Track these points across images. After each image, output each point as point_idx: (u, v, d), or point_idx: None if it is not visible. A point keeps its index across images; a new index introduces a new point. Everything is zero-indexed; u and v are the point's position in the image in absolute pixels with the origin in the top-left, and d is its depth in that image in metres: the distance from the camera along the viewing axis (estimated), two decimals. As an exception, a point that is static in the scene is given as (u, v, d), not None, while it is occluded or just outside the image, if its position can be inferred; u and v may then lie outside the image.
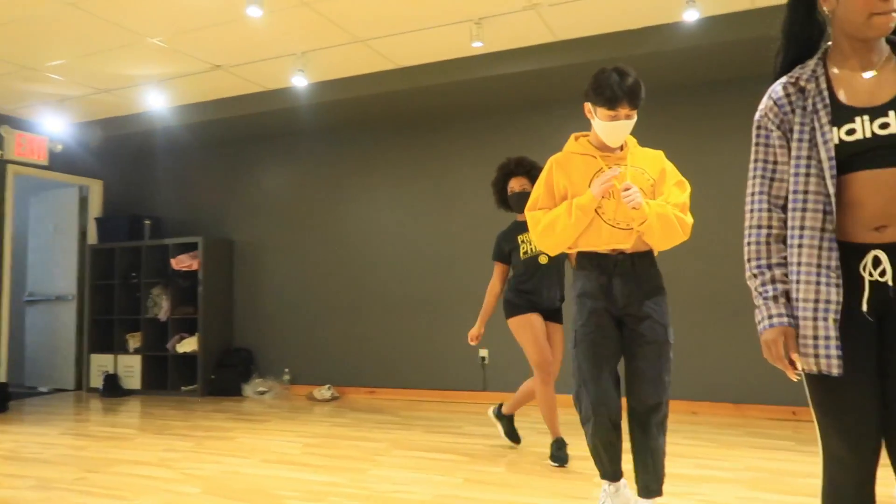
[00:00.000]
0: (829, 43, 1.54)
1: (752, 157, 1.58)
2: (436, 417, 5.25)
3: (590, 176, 2.43)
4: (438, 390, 6.20)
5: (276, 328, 6.95)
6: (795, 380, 1.57)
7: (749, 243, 1.55)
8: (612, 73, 2.34)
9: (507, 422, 4.16)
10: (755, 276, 1.54)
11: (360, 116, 6.37)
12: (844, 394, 1.44)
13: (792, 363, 1.49)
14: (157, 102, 6.02)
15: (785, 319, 1.47)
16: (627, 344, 2.43)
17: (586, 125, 5.82)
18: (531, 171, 3.74)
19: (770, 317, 1.49)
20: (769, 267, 1.52)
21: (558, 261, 3.76)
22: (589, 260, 2.43)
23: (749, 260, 1.56)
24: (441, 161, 6.40)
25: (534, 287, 3.70)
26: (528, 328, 3.66)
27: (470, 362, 6.15)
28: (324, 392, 6.34)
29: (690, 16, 4.31)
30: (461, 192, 6.30)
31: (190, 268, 6.88)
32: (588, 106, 2.44)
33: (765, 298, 1.50)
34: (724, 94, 5.33)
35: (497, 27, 4.80)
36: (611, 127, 2.37)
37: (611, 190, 2.36)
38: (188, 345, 6.82)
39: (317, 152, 6.91)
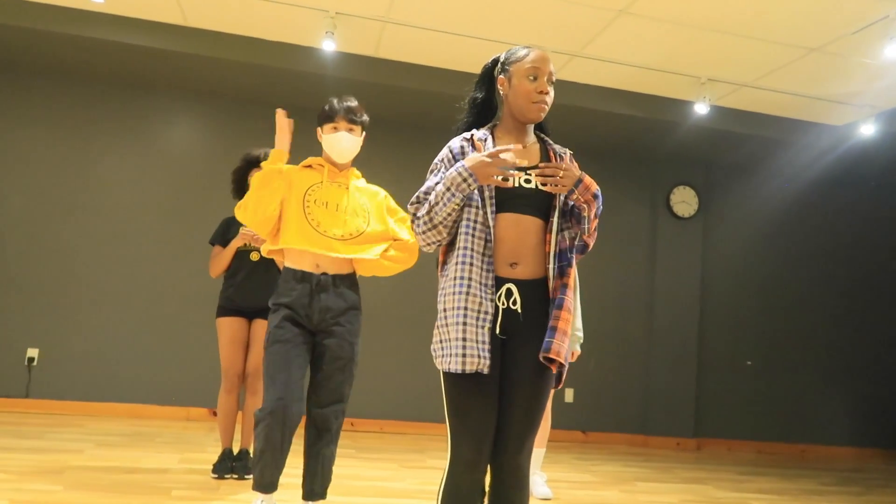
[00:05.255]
0: (498, 120, 1.95)
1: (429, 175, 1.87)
2: (-43, 429, 4.22)
3: (308, 184, 2.60)
4: (-40, 396, 5.00)
5: None
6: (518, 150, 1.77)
7: (420, 202, 1.83)
8: (333, 97, 2.66)
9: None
10: (427, 197, 1.80)
11: None
12: (479, 395, 1.72)
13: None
14: None
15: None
16: (316, 356, 2.56)
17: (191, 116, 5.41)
18: None
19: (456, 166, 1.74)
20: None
21: (270, 260, 3.47)
22: (293, 274, 2.54)
23: (427, 208, 1.79)
24: (14, 120, 5.33)
25: (240, 283, 3.53)
26: (223, 333, 3.53)
27: (11, 363, 5.14)
28: None
29: (328, 45, 4.55)
30: (24, 162, 5.33)
31: None
32: (318, 132, 2.65)
33: (446, 180, 1.74)
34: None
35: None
36: (332, 138, 2.62)
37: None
38: None
39: None
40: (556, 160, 1.88)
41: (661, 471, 4.93)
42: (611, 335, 6.30)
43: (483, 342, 1.71)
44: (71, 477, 3.24)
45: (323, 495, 2.56)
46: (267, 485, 2.49)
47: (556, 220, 1.80)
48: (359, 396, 5.47)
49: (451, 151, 1.86)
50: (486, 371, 1.71)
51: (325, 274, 2.53)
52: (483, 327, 1.72)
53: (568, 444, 5.87)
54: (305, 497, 2.55)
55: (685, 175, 6.53)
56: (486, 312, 1.73)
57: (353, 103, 2.65)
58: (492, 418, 1.74)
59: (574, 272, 1.84)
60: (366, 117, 2.68)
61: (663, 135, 5.85)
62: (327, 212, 2.55)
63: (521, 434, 1.76)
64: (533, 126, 1.94)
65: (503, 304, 1.76)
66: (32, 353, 5.17)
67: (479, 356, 1.70)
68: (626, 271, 6.42)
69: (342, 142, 2.60)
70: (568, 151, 1.95)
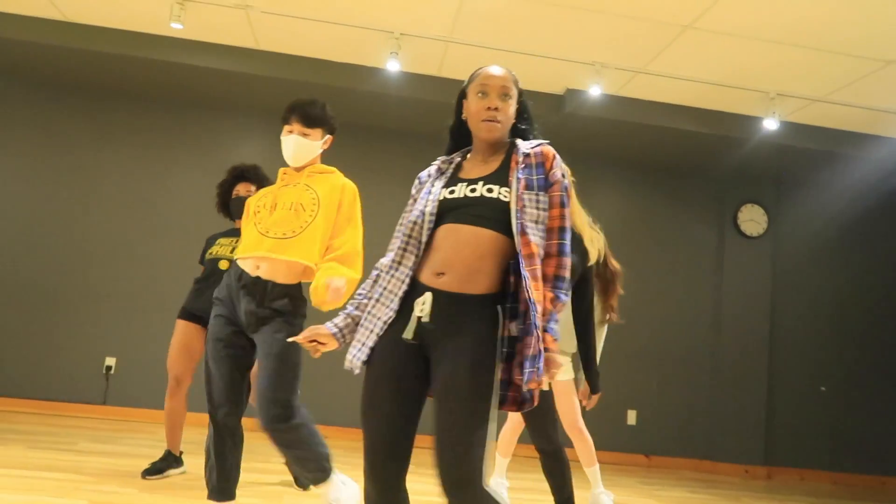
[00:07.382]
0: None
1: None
2: (41, 432, 4.44)
3: (273, 191, 2.55)
4: (42, 401, 5.26)
5: None
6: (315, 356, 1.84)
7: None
8: (297, 99, 2.52)
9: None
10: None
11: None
12: (378, 402, 1.69)
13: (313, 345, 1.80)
14: None
15: (334, 326, 1.80)
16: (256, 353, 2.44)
17: (262, 136, 5.71)
18: (262, 182, 3.58)
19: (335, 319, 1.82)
20: (362, 296, 1.84)
21: None
22: (233, 268, 2.48)
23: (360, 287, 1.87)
24: (96, 140, 5.64)
25: (202, 290, 3.52)
26: (175, 334, 3.54)
27: (90, 371, 5.39)
28: None
29: (392, 66, 4.65)
30: (106, 179, 5.61)
31: None
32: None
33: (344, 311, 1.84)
34: (418, 144, 5.79)
35: (202, 15, 4.50)
36: (283, 141, 2.52)
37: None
38: None
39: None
40: (518, 161, 1.73)
41: (728, 499, 4.76)
42: (675, 356, 6.15)
43: (365, 344, 1.72)
44: (145, 480, 3.37)
45: (307, 485, 2.68)
46: (217, 491, 2.49)
47: (515, 232, 1.66)
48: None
49: (427, 173, 1.88)
50: (356, 371, 1.72)
51: (258, 278, 2.40)
52: (373, 332, 1.71)
53: (631, 468, 5.73)
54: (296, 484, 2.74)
55: (753, 193, 6.35)
56: (384, 321, 1.71)
57: (312, 105, 2.50)
58: (391, 427, 1.69)
59: (542, 294, 1.67)
60: (331, 119, 2.54)
61: (731, 152, 5.71)
62: (269, 214, 2.45)
63: (449, 447, 1.68)
64: (505, 142, 1.82)
65: (418, 311, 1.67)
66: (110, 361, 5.42)
67: (353, 355, 1.72)
68: (692, 291, 6.26)
69: (290, 145, 2.49)
70: (541, 144, 1.78)
